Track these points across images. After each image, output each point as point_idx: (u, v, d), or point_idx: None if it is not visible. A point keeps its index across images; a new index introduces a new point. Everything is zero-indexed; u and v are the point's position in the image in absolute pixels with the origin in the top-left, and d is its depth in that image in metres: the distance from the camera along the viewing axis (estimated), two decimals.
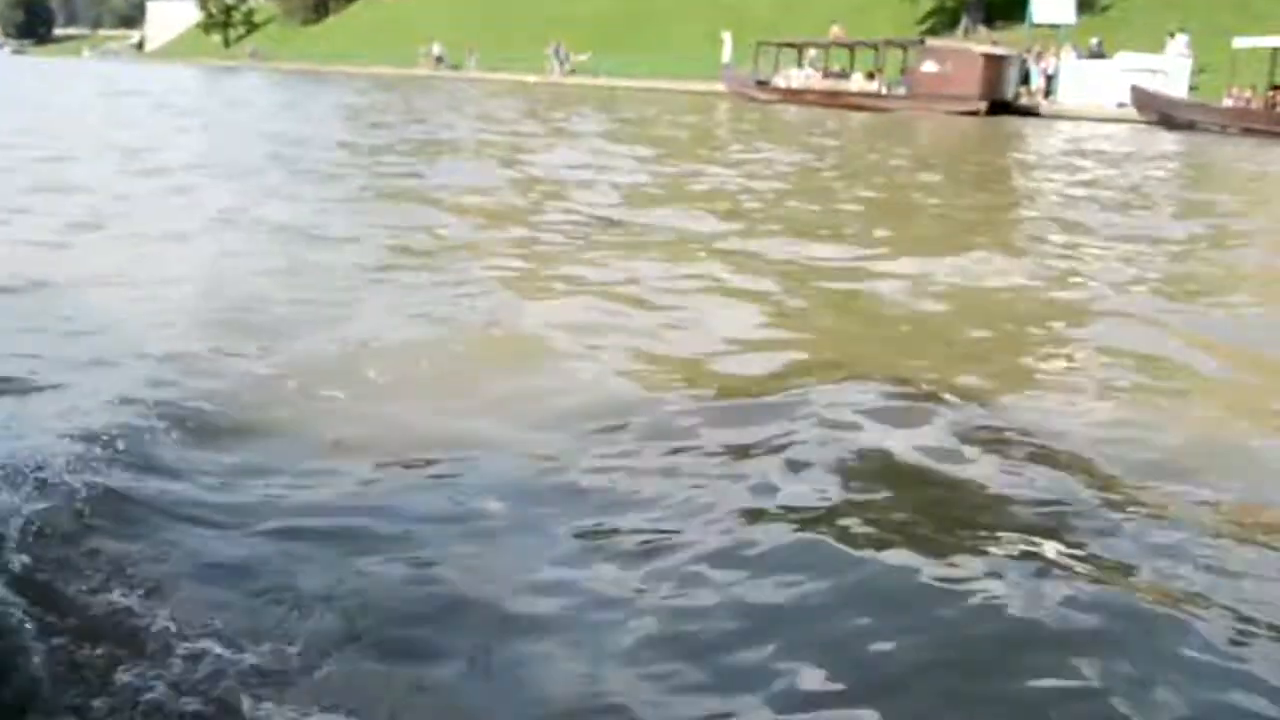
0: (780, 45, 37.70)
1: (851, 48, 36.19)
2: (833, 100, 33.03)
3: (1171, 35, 30.69)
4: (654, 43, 55.10)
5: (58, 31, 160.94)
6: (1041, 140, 22.60)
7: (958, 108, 29.65)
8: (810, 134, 22.54)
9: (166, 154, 12.63)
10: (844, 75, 34.57)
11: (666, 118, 26.16)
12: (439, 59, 57.52)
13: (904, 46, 32.99)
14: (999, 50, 30.97)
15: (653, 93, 41.85)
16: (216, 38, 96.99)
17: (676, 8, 58.97)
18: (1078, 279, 7.10)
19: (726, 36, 40.03)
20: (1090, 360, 4.99)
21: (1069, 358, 5.17)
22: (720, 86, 40.06)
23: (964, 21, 43.71)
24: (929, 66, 30.94)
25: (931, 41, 33.09)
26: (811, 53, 37.40)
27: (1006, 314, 6.06)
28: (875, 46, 35.36)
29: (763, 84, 36.37)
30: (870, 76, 33.79)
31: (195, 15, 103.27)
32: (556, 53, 50.74)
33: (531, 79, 50.82)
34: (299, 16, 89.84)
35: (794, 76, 35.29)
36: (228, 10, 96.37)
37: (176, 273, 6.10)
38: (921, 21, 46.62)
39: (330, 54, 75.71)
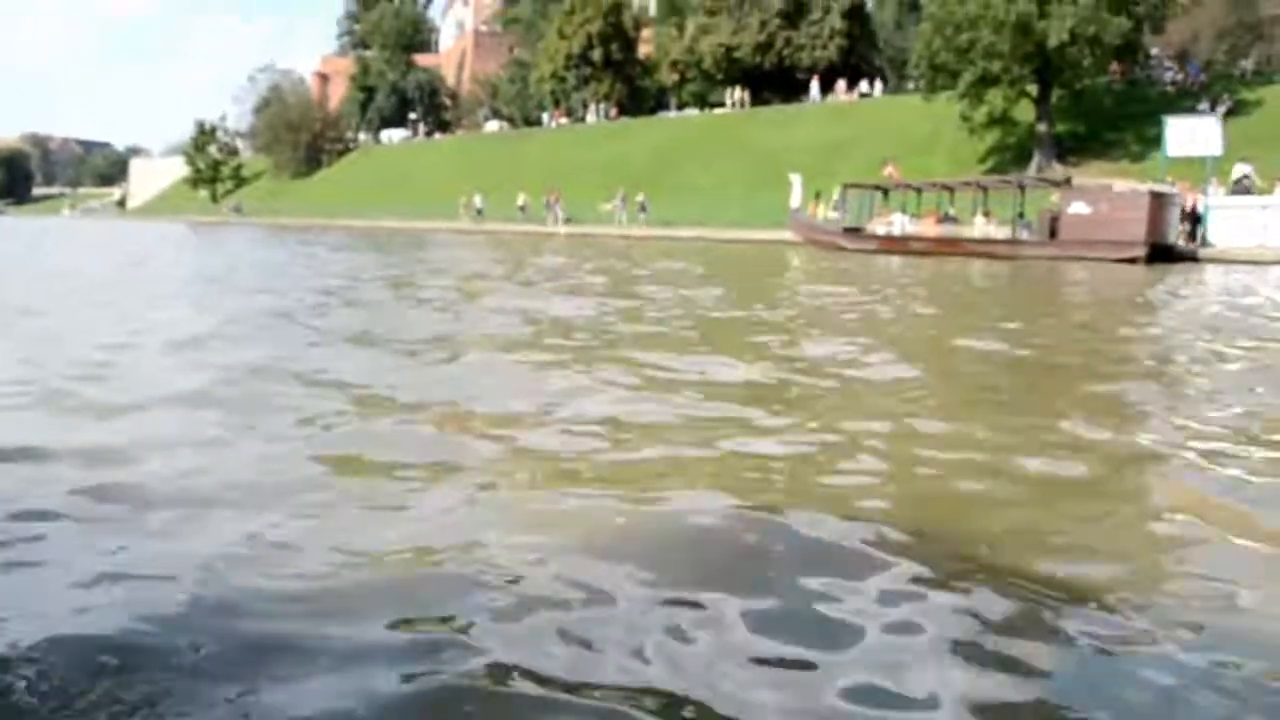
0: (873, 188, 32.70)
1: (951, 189, 31.24)
2: (950, 248, 27.92)
3: None
4: (682, 189, 50.39)
5: (37, 191, 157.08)
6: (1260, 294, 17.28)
7: (1116, 254, 24.56)
8: (1000, 301, 17.21)
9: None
10: (956, 219, 29.45)
11: (782, 279, 20.84)
12: (479, 211, 52.24)
13: (1054, 184, 27.97)
14: (1164, 188, 25.96)
15: (712, 244, 36.84)
16: (203, 193, 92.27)
17: (702, 152, 54.67)
18: None
19: (795, 179, 35.15)
20: None
21: None
22: (788, 235, 35.00)
23: (1036, 158, 39.23)
24: (1078, 208, 25.82)
25: (1080, 180, 28.09)
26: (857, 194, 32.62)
27: None
28: (984, 188, 30.44)
29: (854, 231, 31.20)
30: (986, 218, 28.73)
31: (181, 171, 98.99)
32: (624, 201, 45.94)
33: (563, 231, 45.76)
34: (290, 170, 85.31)
35: (896, 222, 30.13)
36: (215, 165, 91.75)
37: None
38: (984, 159, 42.31)
39: (323, 208, 70.94)
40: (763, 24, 59.56)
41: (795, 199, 34.70)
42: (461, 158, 73.16)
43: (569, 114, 73.91)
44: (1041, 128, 39.34)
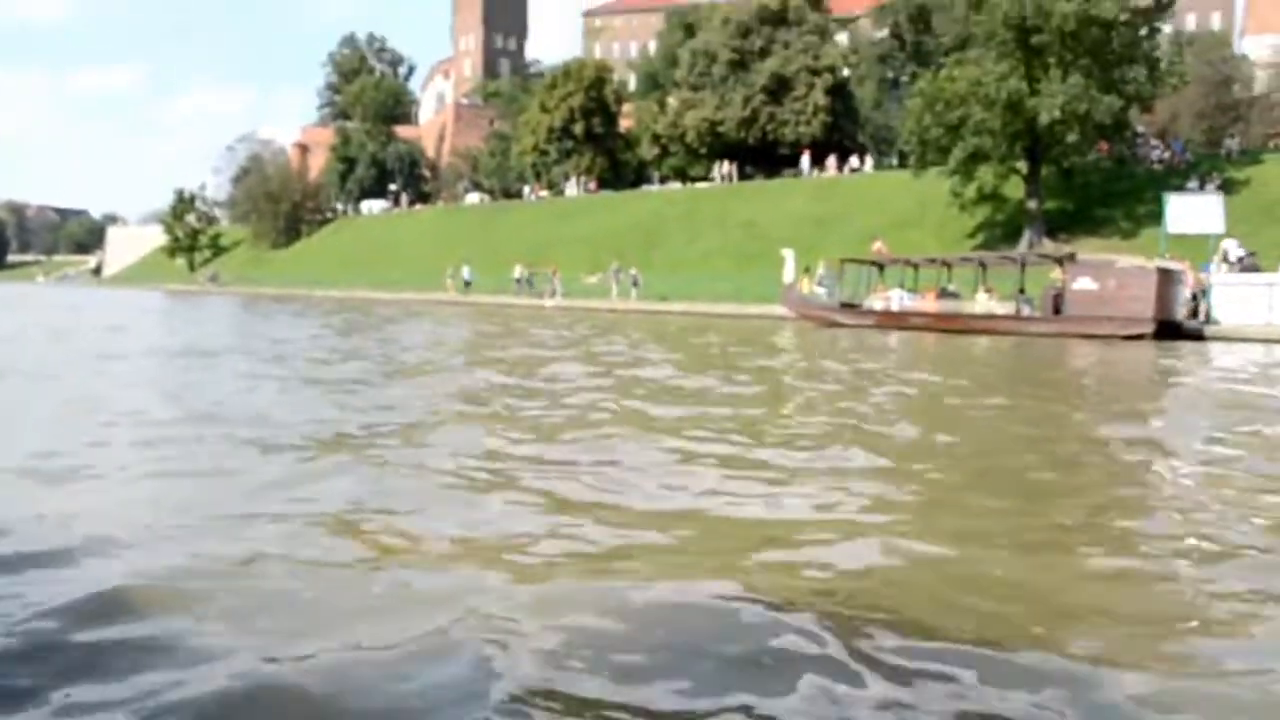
0: (869, 263, 32.14)
1: (949, 265, 30.75)
2: (950, 324, 27.29)
3: None
4: (667, 263, 49.88)
5: (12, 258, 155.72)
6: None
7: (1123, 331, 24.04)
8: (1014, 381, 16.52)
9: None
10: (956, 295, 28.86)
11: (794, 355, 20.14)
12: (467, 283, 51.21)
13: (1059, 260, 27.42)
14: (1171, 264, 25.49)
15: (706, 319, 36.15)
16: (181, 261, 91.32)
17: (686, 226, 54.30)
18: None
19: (788, 255, 34.51)
20: None
21: None
22: (780, 310, 34.36)
23: (1027, 235, 38.93)
24: (1084, 284, 25.29)
25: (1084, 256, 27.60)
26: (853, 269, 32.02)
27: None
28: (983, 264, 29.96)
29: (850, 307, 30.58)
30: (988, 294, 28.18)
31: (158, 239, 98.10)
32: (616, 275, 44.82)
33: (549, 304, 45.01)
34: (269, 240, 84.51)
35: (894, 297, 29.52)
36: (194, 234, 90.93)
37: None
38: (972, 235, 42.05)
39: (302, 277, 70.10)
40: (747, 99, 59.60)
41: (788, 274, 34.04)
42: (442, 229, 72.64)
43: (550, 187, 73.66)
44: (1032, 204, 39.11)
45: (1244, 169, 39.09)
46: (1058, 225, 39.97)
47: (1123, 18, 37.25)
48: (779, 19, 60.85)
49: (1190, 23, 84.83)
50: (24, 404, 9.91)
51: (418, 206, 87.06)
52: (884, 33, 69.93)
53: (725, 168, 59.46)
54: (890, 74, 68.58)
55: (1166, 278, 24.86)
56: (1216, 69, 54.22)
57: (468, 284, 50.87)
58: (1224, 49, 65.90)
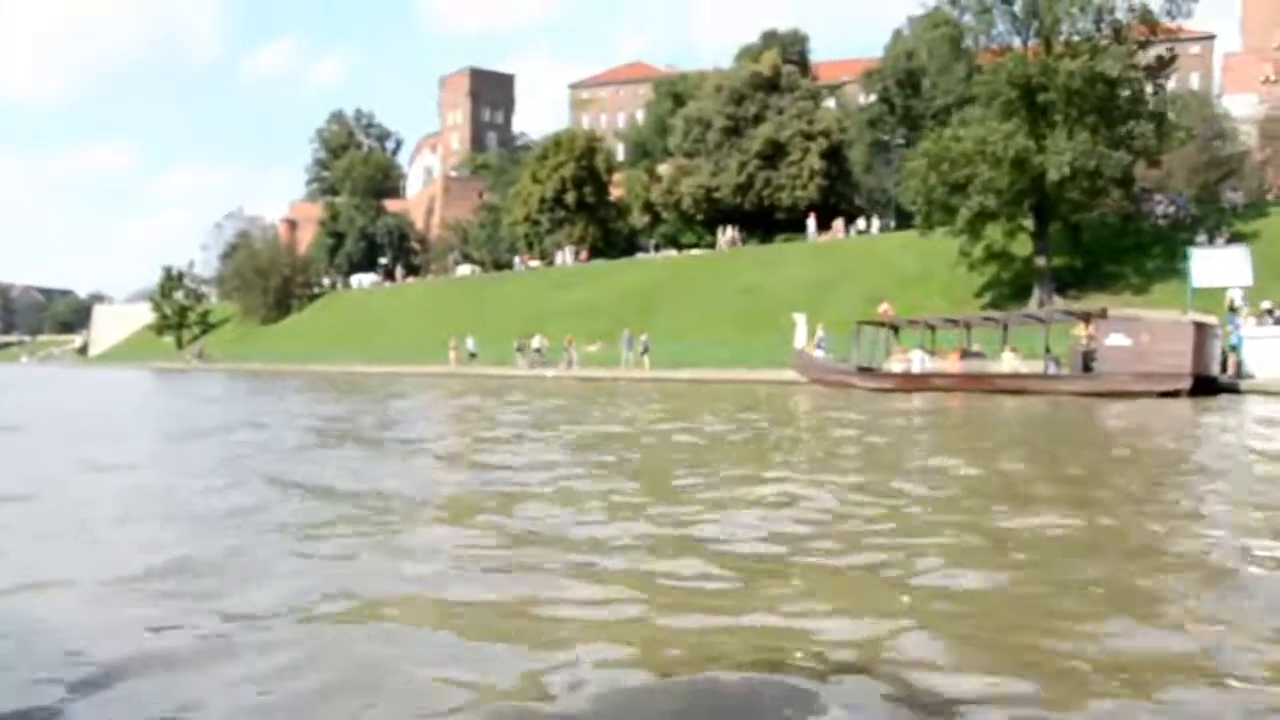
0: (887, 326, 31.23)
1: (968, 325, 29.88)
2: (977, 384, 26.36)
3: None
4: (667, 330, 48.86)
5: None
6: None
7: (1160, 388, 23.11)
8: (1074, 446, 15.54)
9: None
10: (981, 355, 27.95)
11: (826, 428, 19.15)
12: (472, 354, 50.08)
13: (1085, 317, 26.56)
14: (1205, 318, 24.67)
15: (711, 385, 35.20)
16: (169, 339, 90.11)
17: (685, 292, 53.49)
18: None
19: (799, 319, 33.67)
20: None
21: None
22: (791, 374, 33.45)
23: (1037, 293, 38.20)
24: (1117, 340, 24.43)
25: (1115, 312, 26.71)
26: (873, 331, 31.06)
27: None
28: (1005, 324, 29.12)
29: (868, 370, 29.64)
30: (1014, 353, 27.28)
31: (146, 317, 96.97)
32: (629, 342, 43.86)
33: (550, 374, 44.01)
34: (259, 315, 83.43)
35: (915, 359, 28.59)
36: (182, 311, 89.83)
37: None
38: (980, 294, 41.32)
39: (293, 353, 69.02)
40: (742, 165, 59.23)
41: (799, 338, 33.18)
42: (434, 301, 71.79)
43: (542, 256, 73.00)
44: (1040, 262, 38.43)
45: (1250, 222, 38.58)
46: (1066, 282, 39.30)
47: (1126, 74, 37.01)
48: (771, 85, 60.73)
49: (1171, 82, 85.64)
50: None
51: (408, 279, 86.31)
52: (873, 97, 69.97)
53: (729, 233, 58.65)
54: (880, 137, 68.51)
55: (1202, 332, 24.04)
56: (1209, 125, 54.06)
57: (472, 355, 49.76)
58: (1208, 107, 66.09)
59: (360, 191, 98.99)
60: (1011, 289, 40.52)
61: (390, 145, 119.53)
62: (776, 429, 15.99)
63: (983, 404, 23.83)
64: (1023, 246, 40.40)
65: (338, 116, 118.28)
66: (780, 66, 61.05)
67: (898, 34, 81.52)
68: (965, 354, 28.02)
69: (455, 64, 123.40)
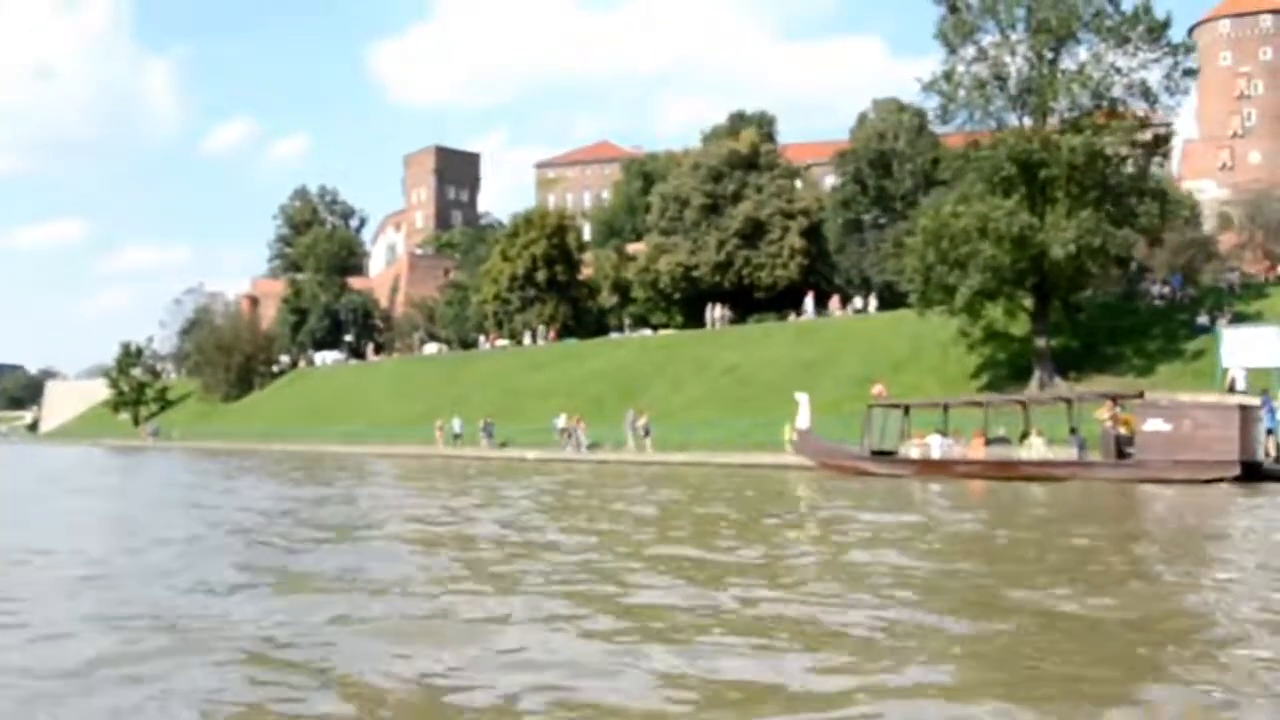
0: (897, 406, 29.56)
1: (984, 405, 28.36)
2: (1003, 472, 24.68)
3: None
4: (650, 412, 46.80)
5: None
6: None
7: (1204, 475, 21.61)
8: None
9: None
10: (1006, 440, 26.30)
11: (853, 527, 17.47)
12: (456, 435, 47.66)
13: (1114, 399, 25.05)
14: (1250, 401, 23.24)
15: (712, 469, 33.36)
16: (124, 416, 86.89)
17: (666, 373, 51.64)
18: None
19: (803, 399, 31.88)
20: None
21: None
22: (792, 458, 31.75)
23: (1038, 374, 36.76)
24: (1156, 425, 22.93)
25: (1152, 395, 25.25)
26: (879, 414, 29.28)
27: None
28: (1025, 404, 27.64)
29: (883, 455, 27.90)
30: (1041, 438, 25.62)
31: (101, 393, 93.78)
32: (633, 424, 41.06)
33: (531, 455, 41.99)
34: (220, 392, 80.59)
35: (934, 444, 26.88)
36: (140, 387, 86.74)
37: None
38: (975, 375, 39.87)
39: (257, 431, 66.42)
40: (721, 243, 57.92)
41: (803, 420, 31.35)
42: (404, 380, 69.48)
43: (512, 336, 71.01)
44: (1040, 342, 37.00)
45: (1251, 302, 37.59)
46: (1065, 363, 37.91)
47: (1123, 151, 36.16)
48: (749, 164, 59.73)
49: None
50: None
51: (373, 357, 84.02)
52: (838, 180, 69.26)
53: (719, 310, 56.71)
54: (853, 217, 67.64)
55: (1247, 416, 22.58)
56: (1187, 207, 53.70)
57: (456, 436, 47.45)
58: (1176, 192, 66.14)
59: (324, 268, 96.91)
60: (1008, 370, 39.08)
61: (354, 223, 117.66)
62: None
63: (1010, 492, 22.16)
64: (1019, 327, 39.12)
65: (301, 193, 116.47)
66: (759, 145, 60.15)
67: (863, 117, 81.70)
68: (989, 439, 26.33)
69: (414, 144, 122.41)
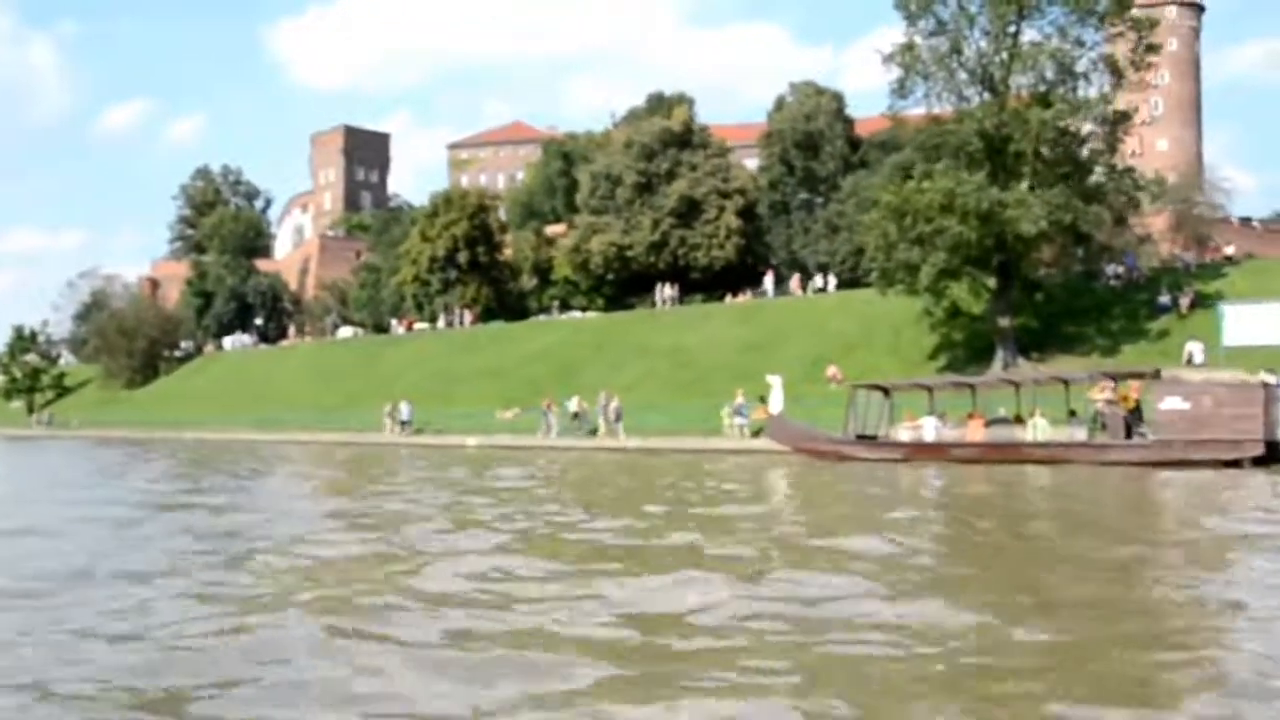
0: (878, 389, 27.69)
1: (973, 387, 26.77)
2: (1003, 454, 23.07)
3: None
4: (587, 396, 44.42)
5: None
6: None
7: (1225, 455, 20.29)
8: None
9: None
10: (1008, 420, 24.65)
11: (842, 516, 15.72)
12: (405, 423, 44.14)
13: (1137, 377, 23.56)
14: (1272, 379, 21.86)
15: (676, 456, 31.28)
16: (17, 404, 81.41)
17: (605, 355, 49.31)
18: None
19: (775, 380, 30.06)
20: None
21: None
22: (765, 443, 29.90)
23: (1000, 354, 35.44)
24: (1173, 404, 21.48)
25: (1169, 372, 23.81)
26: (876, 399, 27.38)
27: None
28: (1016, 384, 26.09)
29: (868, 439, 26.10)
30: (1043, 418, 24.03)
31: None
32: (605, 408, 37.88)
33: (471, 442, 39.48)
34: (123, 378, 75.85)
35: (927, 427, 25.14)
36: (35, 374, 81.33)
37: None
38: (933, 356, 38.44)
39: (165, 418, 62.35)
40: (656, 223, 55.72)
41: (775, 403, 29.50)
42: (321, 364, 65.94)
43: (432, 319, 67.85)
44: (1004, 322, 35.67)
45: (1210, 281, 36.77)
46: (1024, 344, 36.66)
47: (1085, 128, 34.99)
48: (682, 142, 57.59)
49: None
50: None
51: (285, 341, 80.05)
52: (771, 160, 67.61)
53: (666, 290, 53.80)
54: (779, 198, 66.00)
55: (1271, 394, 21.25)
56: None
57: (404, 423, 44.22)
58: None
59: (230, 250, 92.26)
60: (966, 351, 37.73)
61: (259, 204, 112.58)
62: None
63: (1021, 476, 20.58)
64: (977, 306, 37.82)
65: (203, 173, 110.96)
66: (691, 123, 58.07)
67: (781, 100, 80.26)
68: (988, 421, 24.68)
69: (315, 126, 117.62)
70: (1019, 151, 33.72)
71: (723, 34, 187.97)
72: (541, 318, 62.75)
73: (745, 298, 53.38)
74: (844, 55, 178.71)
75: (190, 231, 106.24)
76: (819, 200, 69.63)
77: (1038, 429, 23.54)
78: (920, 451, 24.78)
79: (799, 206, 67.92)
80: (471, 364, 54.13)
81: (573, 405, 39.08)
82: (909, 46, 35.60)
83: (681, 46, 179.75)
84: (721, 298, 53.35)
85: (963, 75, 35.57)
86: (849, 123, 76.42)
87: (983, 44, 35.31)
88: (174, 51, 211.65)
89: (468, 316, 65.44)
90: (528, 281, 71.47)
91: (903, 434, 25.59)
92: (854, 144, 74.76)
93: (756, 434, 33.74)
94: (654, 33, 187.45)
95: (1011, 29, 34.91)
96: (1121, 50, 34.55)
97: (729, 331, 47.25)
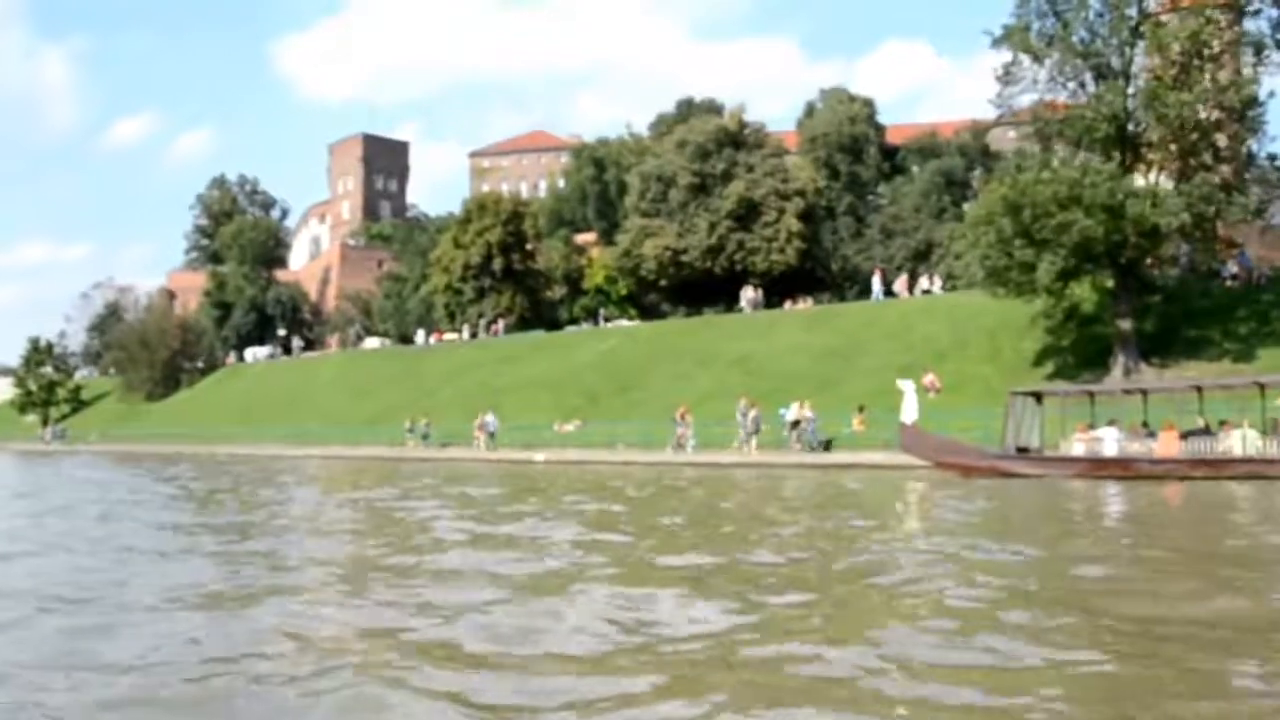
0: (1030, 395, 24.23)
1: (1145, 392, 23.38)
2: (1210, 471, 19.68)
3: None
4: (651, 408, 40.93)
5: None
6: None
7: None
8: None
9: None
10: (1209, 432, 21.28)
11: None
12: (425, 436, 40.91)
13: None
14: None
15: (827, 470, 27.88)
16: (32, 418, 77.87)
17: (665, 364, 45.76)
18: None
19: (907, 386, 26.63)
20: None
21: None
22: (887, 456, 26.53)
23: (1120, 359, 32.02)
24: None
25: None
26: (1010, 409, 23.88)
27: None
28: (1199, 389, 22.72)
29: (1027, 452, 22.73)
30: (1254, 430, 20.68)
31: (4, 393, 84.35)
32: (744, 416, 33.66)
33: (539, 457, 36.07)
34: (143, 391, 72.30)
35: (1106, 439, 21.75)
36: (50, 386, 77.75)
37: None
38: (1038, 363, 34.99)
39: (189, 431, 59.00)
40: (712, 226, 52.27)
41: (908, 412, 26.03)
42: (351, 376, 62.46)
43: (471, 331, 64.31)
44: (1125, 325, 32.24)
45: None
46: (1144, 348, 33.27)
47: (1215, 116, 31.67)
48: (736, 142, 54.24)
49: None
50: None
51: (310, 352, 76.58)
52: (815, 165, 64.49)
53: (750, 293, 49.54)
54: (824, 204, 62.84)
55: None
56: None
57: (425, 438, 40.94)
58: None
59: (249, 260, 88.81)
60: (1077, 357, 34.25)
61: (276, 213, 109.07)
62: None
63: (1200, 494, 17.20)
64: (1088, 308, 34.49)
65: (219, 182, 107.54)
66: (744, 121, 54.77)
67: (811, 107, 77.21)
68: (1185, 433, 21.26)
69: (325, 139, 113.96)
70: (1148, 140, 30.42)
71: (731, 48, 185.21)
72: (584, 326, 59.37)
73: (806, 304, 49.96)
74: (856, 67, 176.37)
75: (207, 241, 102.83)
76: (866, 204, 66.57)
77: (1246, 440, 20.12)
78: (1099, 467, 21.37)
79: (845, 211, 64.82)
80: (516, 374, 50.71)
81: (790, 413, 33.14)
82: (1023, 27, 32.30)
83: (690, 60, 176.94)
84: (780, 304, 49.91)
85: (1077, 60, 32.23)
86: (880, 129, 73.56)
87: (1100, 26, 32.06)
88: (182, 66, 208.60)
89: (494, 327, 62.08)
90: (558, 291, 68.32)
91: (1077, 447, 22.17)
92: (885, 150, 71.94)
93: (828, 446, 30.83)
94: (662, 46, 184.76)
95: (1132, 10, 31.63)
96: (1263, 27, 31.20)
97: (799, 338, 43.84)
